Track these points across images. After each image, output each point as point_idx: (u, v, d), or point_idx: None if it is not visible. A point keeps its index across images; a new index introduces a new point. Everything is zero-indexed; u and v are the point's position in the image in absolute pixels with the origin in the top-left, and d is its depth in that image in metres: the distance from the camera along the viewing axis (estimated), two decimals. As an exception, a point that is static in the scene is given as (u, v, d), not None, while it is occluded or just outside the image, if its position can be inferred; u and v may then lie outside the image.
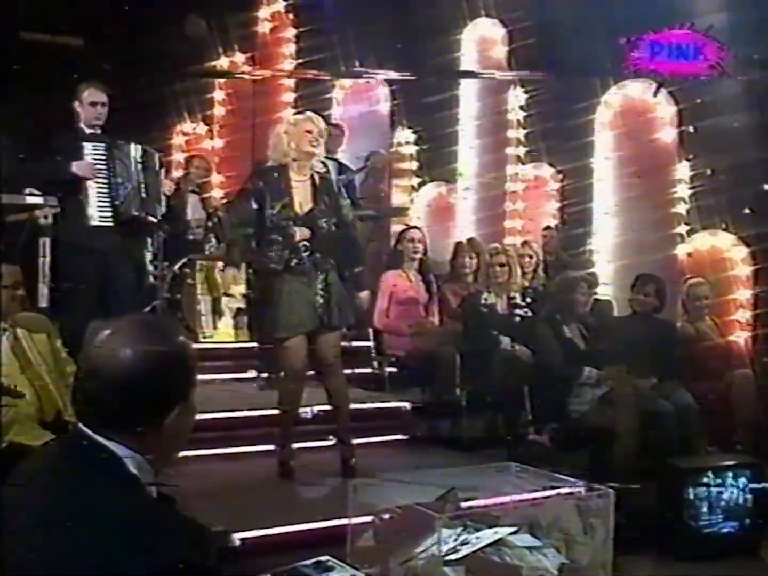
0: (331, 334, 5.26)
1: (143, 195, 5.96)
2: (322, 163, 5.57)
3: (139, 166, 5.97)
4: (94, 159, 5.85)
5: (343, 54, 8.96)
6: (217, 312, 7.64)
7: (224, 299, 7.69)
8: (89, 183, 5.80)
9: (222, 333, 7.53)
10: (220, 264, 7.83)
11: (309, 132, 5.22)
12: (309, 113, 5.45)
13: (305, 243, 5.17)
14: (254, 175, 5.43)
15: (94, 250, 5.78)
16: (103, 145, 5.89)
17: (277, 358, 5.41)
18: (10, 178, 5.62)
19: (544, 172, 8.48)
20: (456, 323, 7.13)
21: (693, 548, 5.18)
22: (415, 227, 7.71)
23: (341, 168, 7.89)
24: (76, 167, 5.75)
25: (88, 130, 5.91)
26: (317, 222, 5.20)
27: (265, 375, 6.70)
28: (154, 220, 6.15)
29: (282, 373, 5.41)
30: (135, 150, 6.00)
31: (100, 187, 5.83)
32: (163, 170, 6.34)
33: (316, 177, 5.31)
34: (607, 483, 4.18)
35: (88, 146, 5.87)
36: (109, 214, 5.84)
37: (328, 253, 5.23)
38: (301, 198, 5.24)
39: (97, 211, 5.82)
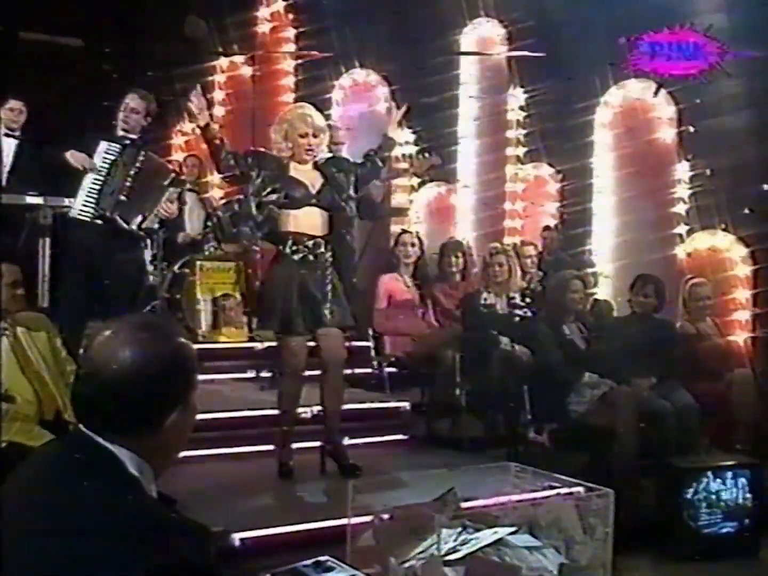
0: (337, 332, 5.25)
1: (121, 197, 5.92)
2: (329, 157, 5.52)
3: (133, 170, 5.94)
4: (104, 158, 5.86)
5: (342, 54, 8.96)
6: (217, 312, 7.63)
7: (224, 299, 7.68)
8: (85, 179, 5.81)
9: (222, 333, 7.52)
10: (220, 264, 7.82)
11: (303, 136, 5.17)
12: (304, 110, 5.30)
13: (318, 236, 5.17)
14: (249, 153, 5.37)
15: (75, 243, 5.81)
16: (118, 146, 5.90)
17: (279, 355, 5.40)
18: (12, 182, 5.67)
19: (543, 172, 8.49)
20: (451, 323, 7.15)
21: (692, 548, 5.20)
22: (409, 231, 7.71)
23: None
24: (69, 155, 5.76)
25: (120, 134, 5.95)
26: (328, 199, 5.20)
27: (267, 374, 6.70)
28: (124, 224, 6.04)
29: (283, 371, 5.41)
30: (138, 155, 5.98)
31: (93, 183, 5.84)
32: (171, 189, 6.26)
33: (319, 164, 5.29)
34: (607, 483, 4.17)
35: (103, 144, 5.90)
36: (88, 209, 5.84)
37: (336, 241, 5.24)
38: (309, 182, 5.22)
39: (81, 204, 5.83)
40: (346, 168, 5.34)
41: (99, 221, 5.86)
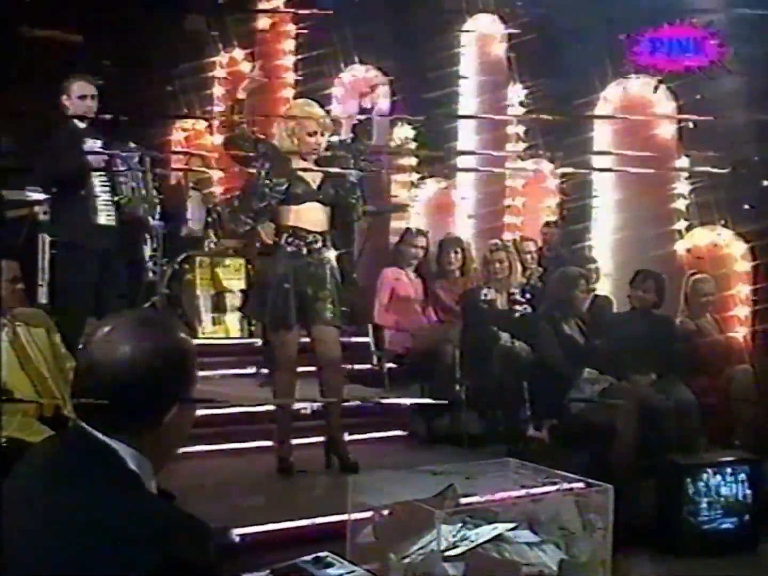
0: (330, 330, 5.25)
1: (144, 193, 5.91)
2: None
3: (137, 164, 5.92)
4: (94, 155, 5.82)
5: (342, 50, 8.95)
6: (217, 308, 7.64)
7: (224, 295, 7.69)
8: (92, 180, 5.76)
9: (221, 329, 7.53)
10: (220, 259, 7.83)
11: (311, 135, 5.18)
12: (314, 109, 5.31)
13: (319, 232, 5.17)
14: (261, 140, 5.36)
15: (95, 248, 5.73)
16: (100, 141, 5.84)
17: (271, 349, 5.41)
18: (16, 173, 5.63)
19: (543, 167, 8.48)
20: (451, 319, 7.15)
21: (692, 544, 5.20)
22: (421, 232, 7.65)
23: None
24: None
25: (80, 125, 5.83)
26: (330, 194, 5.19)
27: (265, 371, 6.71)
28: (154, 222, 6.07)
29: (275, 365, 5.42)
30: (132, 147, 5.95)
31: (103, 184, 5.79)
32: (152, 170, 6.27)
33: (320, 159, 5.28)
34: (607, 479, 4.17)
35: (90, 142, 5.82)
36: (113, 213, 5.79)
37: (335, 236, 5.25)
38: (310, 177, 5.22)
39: (102, 208, 5.77)
40: (342, 152, 5.32)
41: (126, 225, 5.84)
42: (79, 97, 5.77)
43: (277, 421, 5.36)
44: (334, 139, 5.39)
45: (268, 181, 5.11)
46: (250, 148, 5.17)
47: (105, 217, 5.76)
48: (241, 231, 5.26)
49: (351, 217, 5.35)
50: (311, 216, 5.18)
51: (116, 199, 5.79)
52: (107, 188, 5.79)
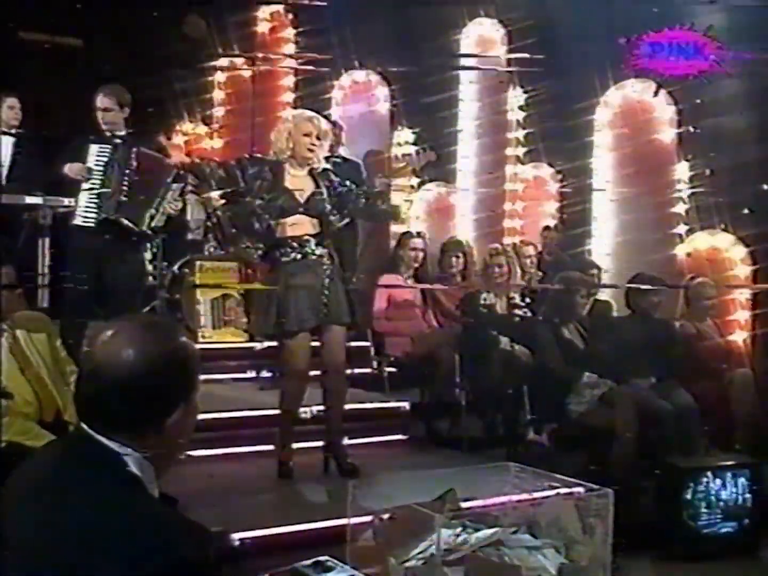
0: (338, 331, 5.24)
1: (123, 198, 5.89)
2: (326, 159, 5.51)
3: (128, 169, 5.91)
4: (96, 161, 5.84)
5: (342, 54, 8.96)
6: (217, 312, 7.63)
7: (224, 299, 7.67)
8: (83, 185, 5.81)
9: (222, 333, 7.52)
10: (220, 264, 7.81)
11: (307, 135, 5.19)
12: (309, 113, 5.36)
13: (310, 236, 5.17)
14: (246, 161, 5.36)
15: (84, 250, 5.81)
16: (109, 148, 5.87)
17: (281, 356, 5.39)
18: (11, 180, 5.67)
19: (543, 172, 8.49)
20: (452, 323, 7.15)
21: (692, 548, 5.20)
22: (418, 234, 7.66)
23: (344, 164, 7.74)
24: (68, 169, 5.77)
25: (107, 134, 5.93)
26: (318, 207, 5.20)
27: (267, 375, 6.71)
28: (134, 226, 5.99)
29: (285, 372, 5.41)
30: (131, 154, 5.95)
31: (91, 189, 5.83)
32: (174, 186, 6.20)
33: (315, 171, 5.29)
34: (606, 483, 4.17)
35: (93, 148, 5.88)
36: (92, 216, 5.84)
37: (331, 243, 5.24)
38: (302, 188, 5.22)
39: (82, 211, 5.83)
40: (332, 190, 5.28)
41: (102, 226, 5.85)
42: (96, 108, 5.91)
43: (279, 426, 5.35)
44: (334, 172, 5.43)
45: (261, 200, 5.13)
46: (232, 177, 5.21)
47: (83, 219, 5.81)
48: (256, 256, 5.30)
49: (334, 233, 5.33)
50: (298, 224, 5.19)
51: (98, 202, 5.83)
52: (95, 191, 5.83)
